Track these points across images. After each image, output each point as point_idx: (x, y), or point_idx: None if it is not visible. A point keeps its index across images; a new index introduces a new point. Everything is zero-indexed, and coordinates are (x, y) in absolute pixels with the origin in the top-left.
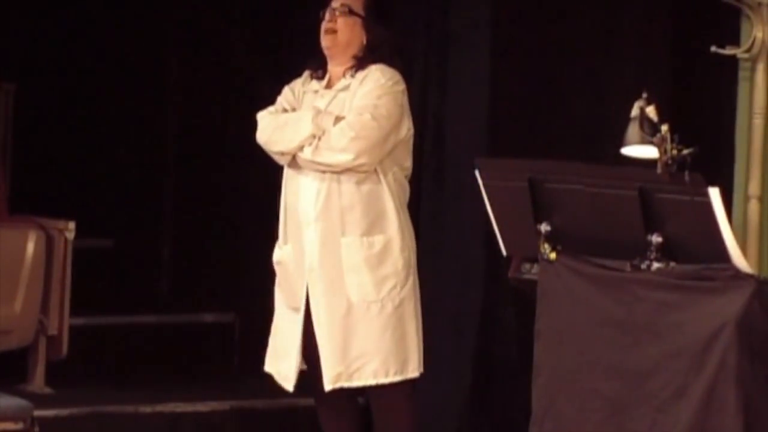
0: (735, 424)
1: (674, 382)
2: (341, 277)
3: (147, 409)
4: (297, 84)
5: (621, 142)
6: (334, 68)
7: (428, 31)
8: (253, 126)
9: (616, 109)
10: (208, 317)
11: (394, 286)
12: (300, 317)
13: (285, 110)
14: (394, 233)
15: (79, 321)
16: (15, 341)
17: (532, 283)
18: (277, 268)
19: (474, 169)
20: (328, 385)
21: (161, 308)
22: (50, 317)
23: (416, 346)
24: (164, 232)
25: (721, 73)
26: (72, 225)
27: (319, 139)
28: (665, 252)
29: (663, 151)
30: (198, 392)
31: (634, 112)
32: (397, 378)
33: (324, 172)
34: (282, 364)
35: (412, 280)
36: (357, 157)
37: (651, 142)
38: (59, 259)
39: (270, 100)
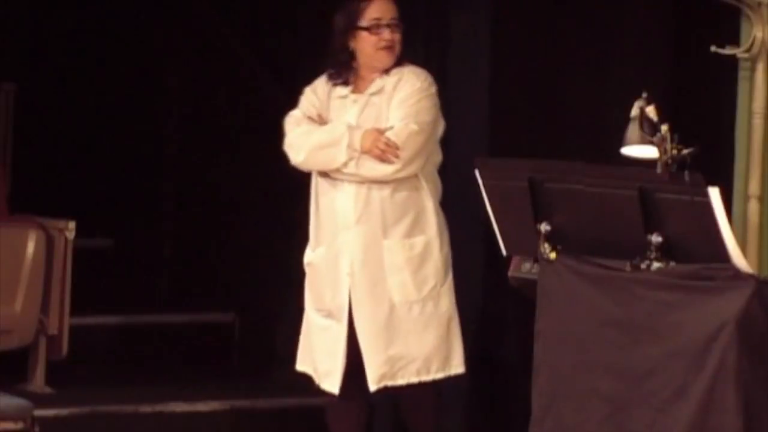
0: (735, 424)
1: (674, 382)
2: (383, 279)
3: (147, 409)
4: (319, 86)
5: (621, 142)
6: (367, 74)
7: (428, 32)
8: (252, 126)
9: (616, 109)
10: (208, 317)
11: (435, 286)
12: (344, 319)
13: (310, 118)
14: (434, 234)
15: (79, 321)
16: (15, 341)
17: (532, 283)
18: (307, 269)
19: (474, 168)
20: (372, 386)
21: (161, 308)
22: (50, 317)
23: (459, 341)
24: (164, 232)
25: (721, 73)
26: (72, 225)
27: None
28: (665, 252)
29: (663, 151)
30: (198, 392)
31: (634, 112)
32: (440, 375)
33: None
34: (322, 365)
35: (450, 277)
36: (403, 167)
37: (651, 142)
38: (59, 259)
39: (270, 100)
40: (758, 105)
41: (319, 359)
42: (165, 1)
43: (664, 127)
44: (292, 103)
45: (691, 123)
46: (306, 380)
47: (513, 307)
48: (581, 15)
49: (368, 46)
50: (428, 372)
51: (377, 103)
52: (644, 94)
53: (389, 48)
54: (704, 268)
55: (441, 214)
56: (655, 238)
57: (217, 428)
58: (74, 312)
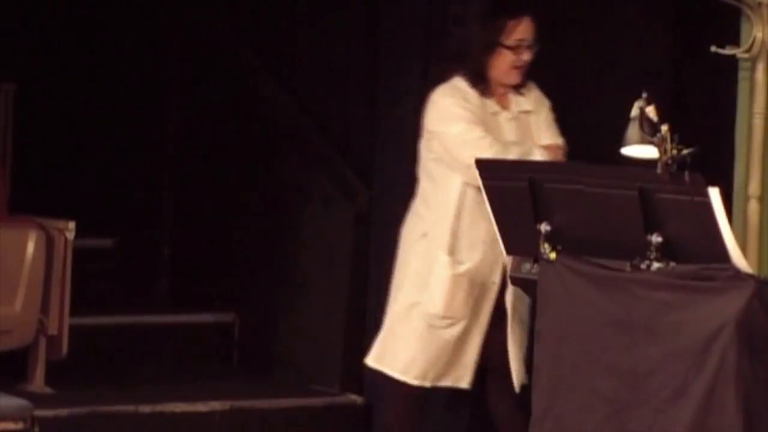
0: (735, 424)
1: (674, 382)
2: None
3: (147, 409)
4: (468, 96)
5: (621, 142)
6: (495, 88)
7: (428, 32)
8: (253, 127)
9: (616, 109)
10: (208, 317)
11: None
12: (485, 326)
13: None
14: None
15: (79, 321)
16: (15, 341)
17: (532, 283)
18: (450, 280)
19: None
20: (518, 387)
21: (161, 308)
22: (50, 317)
23: None
24: (164, 232)
25: (721, 73)
26: (72, 225)
27: None
28: (665, 252)
29: (663, 151)
30: (198, 392)
31: (634, 112)
32: None
33: None
34: (441, 367)
35: None
36: None
37: (651, 142)
38: (59, 259)
39: (269, 99)
40: (758, 105)
41: (441, 361)
42: (165, 2)
43: (664, 127)
44: (293, 104)
45: (691, 123)
46: (305, 381)
47: None
48: (581, 15)
49: (505, 64)
50: None
51: (526, 121)
52: (644, 94)
53: (522, 68)
54: (704, 269)
55: None
56: (655, 238)
57: (217, 428)
58: (74, 312)
